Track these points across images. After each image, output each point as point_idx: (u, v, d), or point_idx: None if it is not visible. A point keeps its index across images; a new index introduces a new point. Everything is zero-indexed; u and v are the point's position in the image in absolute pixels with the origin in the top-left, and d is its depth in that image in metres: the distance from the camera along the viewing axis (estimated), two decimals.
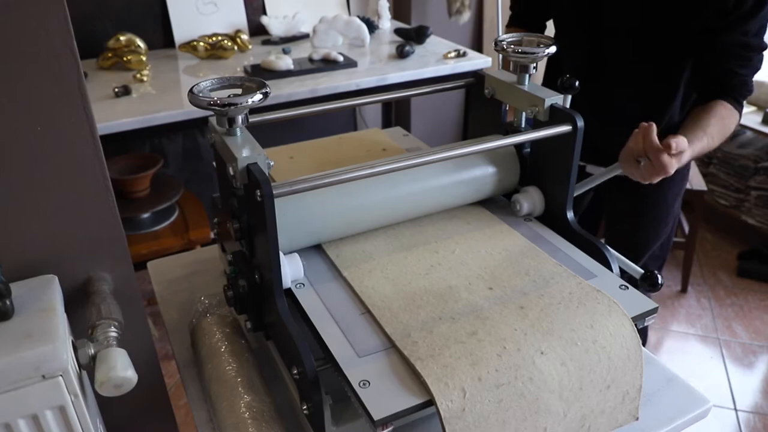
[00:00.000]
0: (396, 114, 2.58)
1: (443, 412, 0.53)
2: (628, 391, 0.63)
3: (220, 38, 1.98)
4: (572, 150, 0.78)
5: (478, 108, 0.93)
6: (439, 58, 1.98)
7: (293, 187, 0.63)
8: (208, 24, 2.12)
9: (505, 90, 0.86)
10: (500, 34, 2.47)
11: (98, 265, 0.65)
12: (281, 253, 0.70)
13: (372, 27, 2.20)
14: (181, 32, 2.08)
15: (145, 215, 1.71)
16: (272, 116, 0.82)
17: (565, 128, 0.77)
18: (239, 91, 0.68)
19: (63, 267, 0.62)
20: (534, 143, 0.85)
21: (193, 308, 0.85)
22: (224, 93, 0.67)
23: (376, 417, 0.53)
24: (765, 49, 1.11)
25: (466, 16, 2.38)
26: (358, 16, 2.15)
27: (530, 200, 0.84)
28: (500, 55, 0.83)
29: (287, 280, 0.70)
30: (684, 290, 2.19)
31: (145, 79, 1.77)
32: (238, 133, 0.68)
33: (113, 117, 1.53)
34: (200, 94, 0.65)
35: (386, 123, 2.37)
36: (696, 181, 2.08)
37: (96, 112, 1.52)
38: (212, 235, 1.67)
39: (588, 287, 0.67)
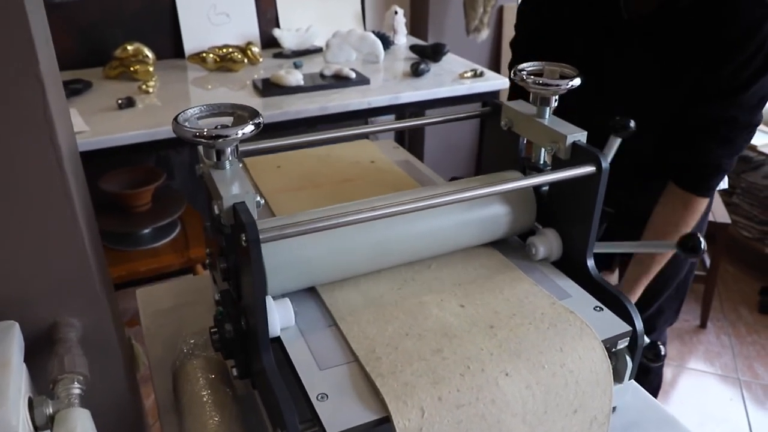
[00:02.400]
0: (409, 131, 2.52)
1: (400, 430, 0.52)
2: (596, 417, 0.62)
3: (230, 50, 1.93)
4: (596, 192, 0.71)
5: (494, 139, 0.86)
6: (455, 77, 1.92)
7: (283, 231, 0.56)
8: (220, 35, 2.07)
9: (523, 123, 0.79)
10: None
11: (66, 310, 0.58)
12: (270, 299, 0.63)
13: (387, 43, 2.15)
14: (191, 42, 2.03)
15: (145, 231, 1.66)
16: (272, 143, 0.75)
17: (589, 169, 0.70)
18: (230, 119, 0.62)
19: (25, 312, 0.56)
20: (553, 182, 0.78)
21: (177, 347, 0.78)
22: (214, 121, 0.61)
23: (329, 431, 0.52)
24: (756, 126, 1.02)
25: (485, 34, 2.32)
26: (374, 31, 2.09)
27: (547, 244, 0.77)
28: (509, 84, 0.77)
29: (276, 328, 0.63)
30: (703, 326, 2.10)
31: (150, 90, 1.72)
32: (227, 166, 0.61)
33: (115, 130, 1.48)
34: (186, 123, 0.59)
35: (399, 139, 2.31)
36: (719, 212, 1.99)
37: (98, 125, 1.47)
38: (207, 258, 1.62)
39: (561, 308, 0.66)
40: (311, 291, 0.71)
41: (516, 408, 0.57)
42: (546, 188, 0.80)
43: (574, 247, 0.76)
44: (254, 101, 1.71)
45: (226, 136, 0.57)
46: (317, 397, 0.55)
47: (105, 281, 0.66)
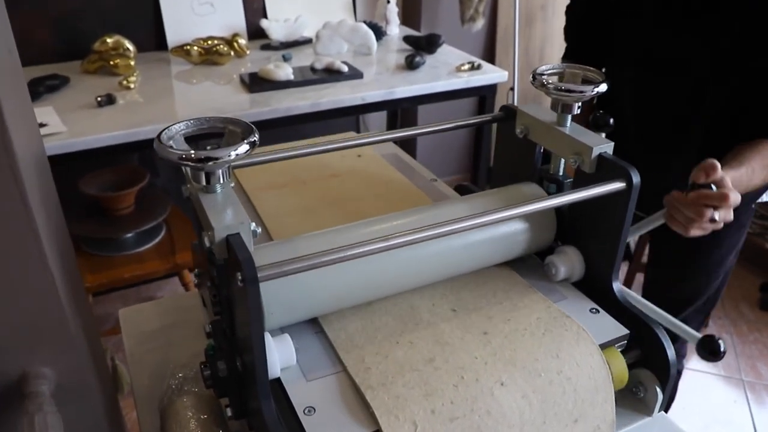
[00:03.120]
0: (402, 124, 2.45)
1: None
2: (599, 426, 0.59)
3: (216, 42, 1.84)
4: (624, 209, 0.65)
5: (508, 147, 0.79)
6: (452, 70, 1.84)
7: (284, 268, 0.49)
8: (204, 26, 1.98)
9: (541, 131, 0.72)
10: (516, 42, 2.34)
11: (36, 359, 0.51)
12: (269, 337, 0.56)
13: (379, 33, 2.06)
14: (174, 34, 1.94)
15: (129, 235, 1.58)
16: (263, 157, 0.68)
17: (618, 185, 0.63)
18: (221, 135, 0.55)
19: None
20: None
21: (165, 381, 0.71)
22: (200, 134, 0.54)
23: None
24: None
25: (480, 23, 2.24)
26: (365, 21, 2.01)
27: (568, 263, 0.71)
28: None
29: (275, 369, 0.57)
30: (705, 324, 2.06)
31: (132, 85, 1.63)
32: (218, 190, 0.54)
33: (94, 130, 1.39)
34: (170, 143, 0.51)
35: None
36: None
37: (75, 124, 1.38)
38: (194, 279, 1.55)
39: (557, 312, 0.64)
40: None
41: (513, 419, 0.55)
42: None
43: (598, 267, 0.70)
44: (242, 97, 1.63)
45: (217, 159, 0.50)
46: (304, 411, 0.52)
47: (83, 320, 0.58)
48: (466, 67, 1.84)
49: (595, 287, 0.70)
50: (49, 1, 1.80)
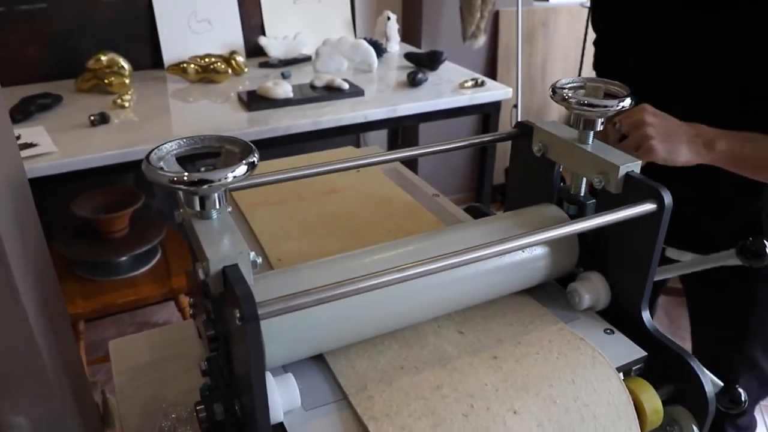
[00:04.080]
0: (403, 141, 2.41)
1: None
2: None
3: (213, 60, 1.80)
4: (655, 233, 0.60)
5: (523, 166, 0.74)
6: (455, 87, 1.80)
7: (289, 303, 0.44)
8: (201, 43, 1.94)
9: (561, 149, 0.67)
10: (519, 60, 2.31)
11: (9, 407, 0.45)
12: (271, 377, 0.51)
13: (380, 50, 2.03)
14: (170, 52, 1.90)
15: (123, 259, 1.52)
16: (261, 179, 0.63)
17: (648, 207, 0.58)
18: (217, 155, 0.50)
19: None
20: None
21: (157, 422, 0.66)
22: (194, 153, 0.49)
23: None
24: None
25: (482, 40, 2.21)
26: (365, 38, 1.97)
27: (592, 291, 0.66)
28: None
29: (278, 413, 0.51)
30: None
31: (126, 104, 1.59)
32: (214, 216, 0.49)
33: (87, 150, 1.35)
34: (160, 165, 0.46)
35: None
36: None
37: (68, 144, 1.33)
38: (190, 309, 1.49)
39: (570, 334, 0.60)
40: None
41: None
42: None
43: (625, 295, 0.65)
44: (240, 116, 1.58)
45: (212, 182, 0.45)
46: None
47: (64, 359, 0.53)
48: (470, 84, 1.80)
49: (621, 316, 0.65)
50: (42, 19, 1.76)
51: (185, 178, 0.44)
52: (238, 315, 0.42)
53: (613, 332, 0.62)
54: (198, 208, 0.48)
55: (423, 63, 1.93)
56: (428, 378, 0.54)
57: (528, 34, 2.45)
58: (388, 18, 2.12)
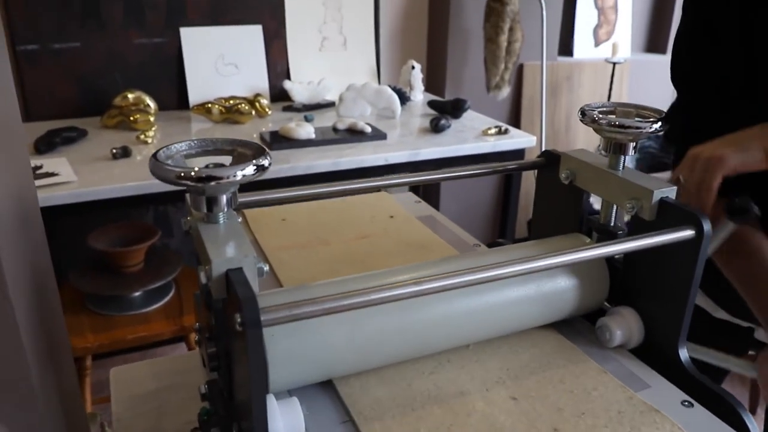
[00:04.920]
0: (424, 187, 2.39)
1: None
2: None
3: (237, 101, 1.82)
4: (693, 262, 0.55)
5: (549, 195, 0.71)
6: (478, 134, 1.79)
7: (294, 311, 0.40)
8: (227, 86, 1.97)
9: (590, 175, 0.64)
10: (544, 111, 2.31)
11: None
12: (273, 399, 0.47)
13: (403, 98, 2.04)
14: (196, 93, 1.93)
15: (136, 294, 1.49)
16: (276, 195, 0.60)
17: (685, 234, 0.54)
18: (228, 159, 0.47)
19: None
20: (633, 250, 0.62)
21: None
22: (206, 160, 0.46)
23: None
24: None
25: (506, 91, 2.21)
26: (389, 86, 1.99)
27: (624, 327, 0.61)
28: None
29: None
30: (752, 411, 1.89)
31: (149, 140, 1.60)
32: (221, 220, 0.46)
33: (107, 181, 1.34)
34: (168, 161, 0.44)
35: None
36: None
37: (87, 175, 1.34)
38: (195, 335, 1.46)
39: (642, 405, 0.52)
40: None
41: None
42: (620, 257, 0.64)
43: (661, 333, 0.60)
44: None
45: (221, 178, 0.42)
46: None
47: (56, 377, 0.49)
48: (493, 131, 1.78)
49: (656, 355, 0.60)
50: (74, 57, 1.81)
51: (193, 173, 0.42)
52: (239, 320, 0.39)
53: (692, 405, 0.55)
54: (205, 209, 0.45)
55: (446, 110, 1.93)
56: None
57: (552, 88, 2.45)
58: (413, 67, 2.14)
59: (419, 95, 2.18)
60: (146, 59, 1.89)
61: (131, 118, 1.68)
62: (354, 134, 1.69)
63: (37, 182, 1.29)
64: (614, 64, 2.43)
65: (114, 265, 1.48)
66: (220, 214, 0.46)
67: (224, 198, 0.45)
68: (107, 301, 1.48)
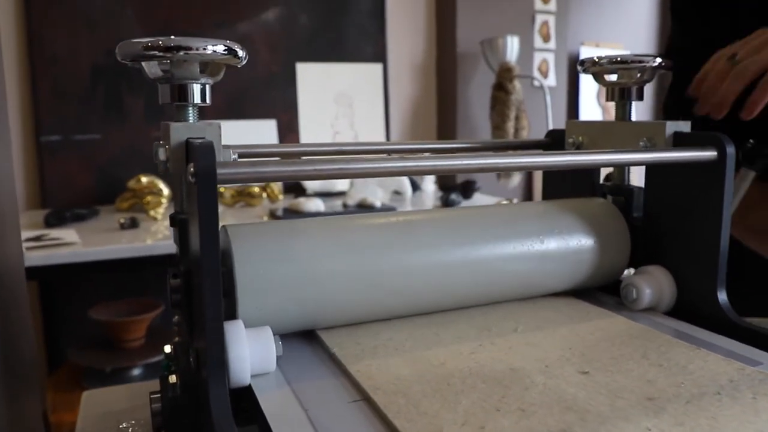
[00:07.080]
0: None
1: None
2: None
3: (249, 185, 1.84)
4: (720, 192, 0.50)
5: (557, 173, 0.67)
6: None
7: (255, 168, 0.35)
8: None
9: (599, 134, 0.60)
10: None
11: None
12: (240, 323, 0.40)
13: (414, 186, 2.04)
14: None
15: (135, 372, 1.41)
16: (279, 149, 0.56)
17: (708, 154, 0.49)
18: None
19: None
20: (651, 200, 0.57)
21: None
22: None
23: None
24: None
25: (516, 180, 2.22)
26: None
27: (655, 285, 0.54)
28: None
29: (243, 375, 0.39)
30: None
31: (159, 217, 1.59)
32: (190, 116, 0.42)
33: (111, 242, 1.32)
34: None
35: None
36: None
37: (96, 243, 1.32)
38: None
39: (759, 374, 0.42)
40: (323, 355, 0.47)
41: None
42: (639, 214, 0.58)
43: (694, 288, 0.52)
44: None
45: (189, 48, 0.39)
46: None
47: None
48: (504, 203, 1.76)
49: (693, 314, 0.52)
50: (95, 148, 1.86)
51: (160, 43, 0.39)
52: (191, 169, 0.34)
53: None
54: (176, 100, 0.41)
55: (456, 191, 1.92)
56: (545, 420, 0.36)
57: None
58: None
59: (430, 185, 2.19)
60: None
61: (144, 201, 1.69)
62: (363, 207, 1.68)
63: (40, 244, 1.27)
64: None
65: (115, 338, 1.42)
66: (190, 109, 0.42)
67: (196, 88, 0.42)
68: (106, 377, 1.39)
